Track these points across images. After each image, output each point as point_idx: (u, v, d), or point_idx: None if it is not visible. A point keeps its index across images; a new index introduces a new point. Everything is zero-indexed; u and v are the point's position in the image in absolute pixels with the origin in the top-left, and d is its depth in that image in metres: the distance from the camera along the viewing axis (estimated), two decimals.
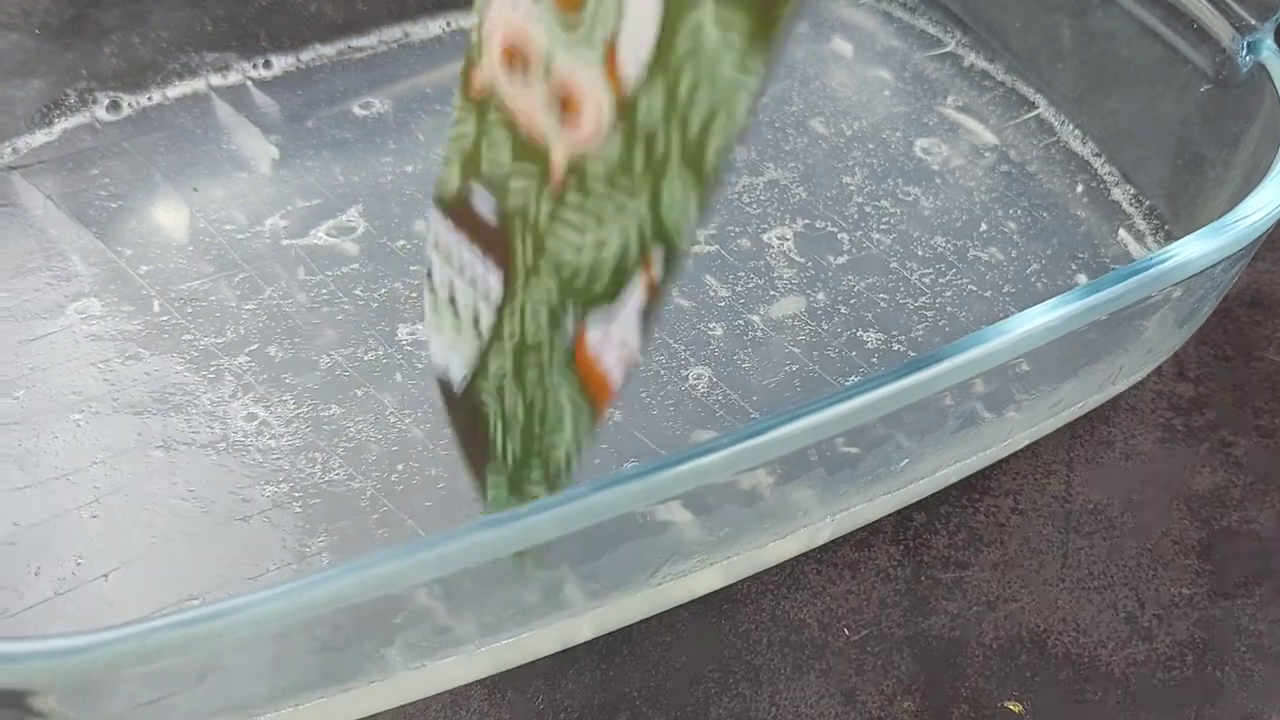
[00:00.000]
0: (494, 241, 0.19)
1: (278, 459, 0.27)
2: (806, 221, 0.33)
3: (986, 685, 0.25)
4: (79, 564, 0.25)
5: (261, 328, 0.29)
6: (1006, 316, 0.30)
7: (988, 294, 0.31)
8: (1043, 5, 0.36)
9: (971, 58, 0.39)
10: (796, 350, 0.29)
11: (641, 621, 0.25)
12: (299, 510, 0.26)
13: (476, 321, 0.20)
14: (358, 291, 0.30)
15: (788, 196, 0.34)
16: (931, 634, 0.26)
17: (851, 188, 0.34)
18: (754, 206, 0.33)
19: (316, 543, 0.25)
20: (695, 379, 0.29)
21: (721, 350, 0.29)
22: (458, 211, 0.20)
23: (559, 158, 0.17)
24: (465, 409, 0.21)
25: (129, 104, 0.35)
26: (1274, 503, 0.28)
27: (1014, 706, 0.25)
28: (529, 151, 0.18)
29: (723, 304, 0.30)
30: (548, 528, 0.19)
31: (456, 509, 0.26)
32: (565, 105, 0.17)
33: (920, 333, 0.30)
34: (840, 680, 0.25)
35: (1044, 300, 0.22)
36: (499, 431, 0.20)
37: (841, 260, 0.32)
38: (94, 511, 0.25)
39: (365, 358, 0.29)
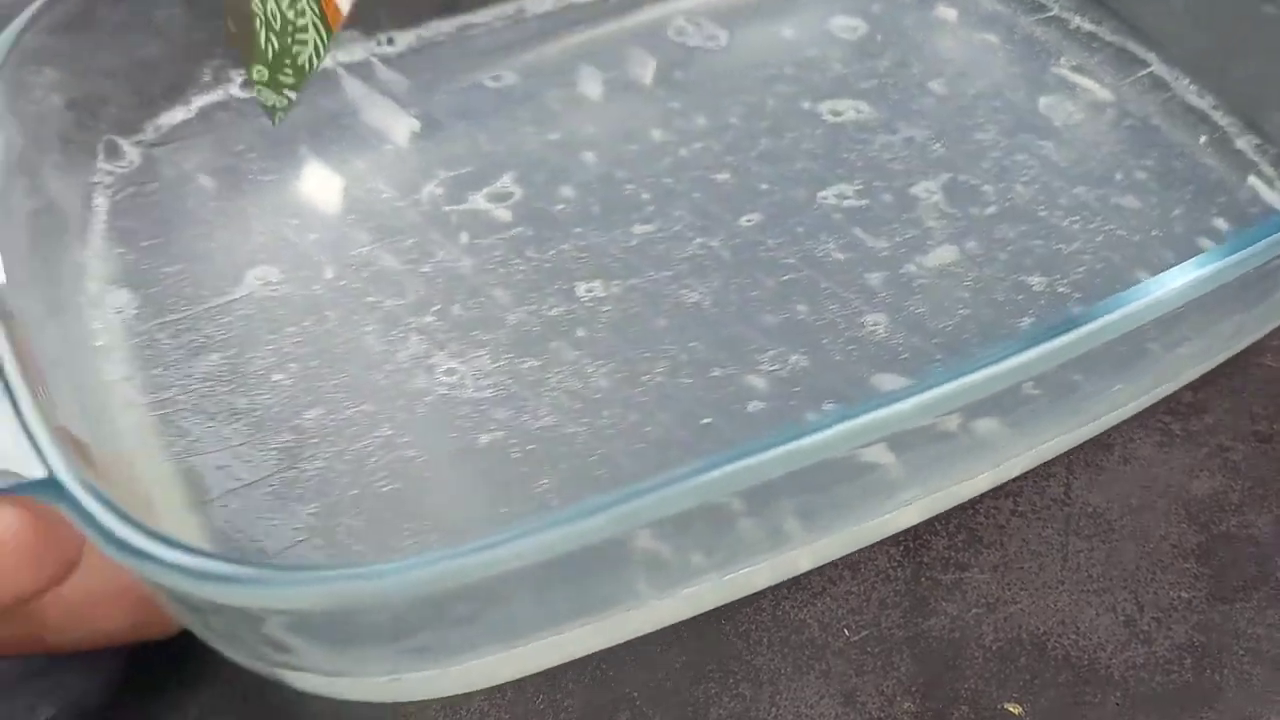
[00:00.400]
0: None
1: (486, 409, 0.27)
2: (950, 175, 0.34)
3: (986, 687, 0.25)
4: (312, 514, 0.25)
5: (441, 289, 0.30)
6: (1160, 259, 0.31)
7: (1136, 238, 0.32)
8: None
9: (1077, 20, 0.40)
10: (965, 295, 0.30)
11: None
12: (518, 456, 0.26)
13: None
14: (529, 253, 0.31)
15: (927, 152, 0.35)
16: (931, 635, 0.26)
17: (986, 143, 0.35)
18: (896, 163, 0.34)
19: (542, 485, 0.26)
20: (873, 325, 0.29)
21: (892, 297, 0.30)
22: None
23: None
24: (239, 12, 0.28)
25: None
26: (1272, 508, 0.29)
27: (1013, 708, 0.25)
28: None
29: (883, 254, 0.31)
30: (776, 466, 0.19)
31: (666, 452, 0.26)
32: None
33: (1081, 275, 0.31)
34: (840, 681, 0.25)
35: (1191, 243, 0.23)
36: (263, 30, 0.27)
37: (991, 210, 0.33)
38: (318, 465, 0.26)
39: (550, 313, 0.29)
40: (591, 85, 0.37)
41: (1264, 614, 0.26)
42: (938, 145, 0.35)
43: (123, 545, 0.18)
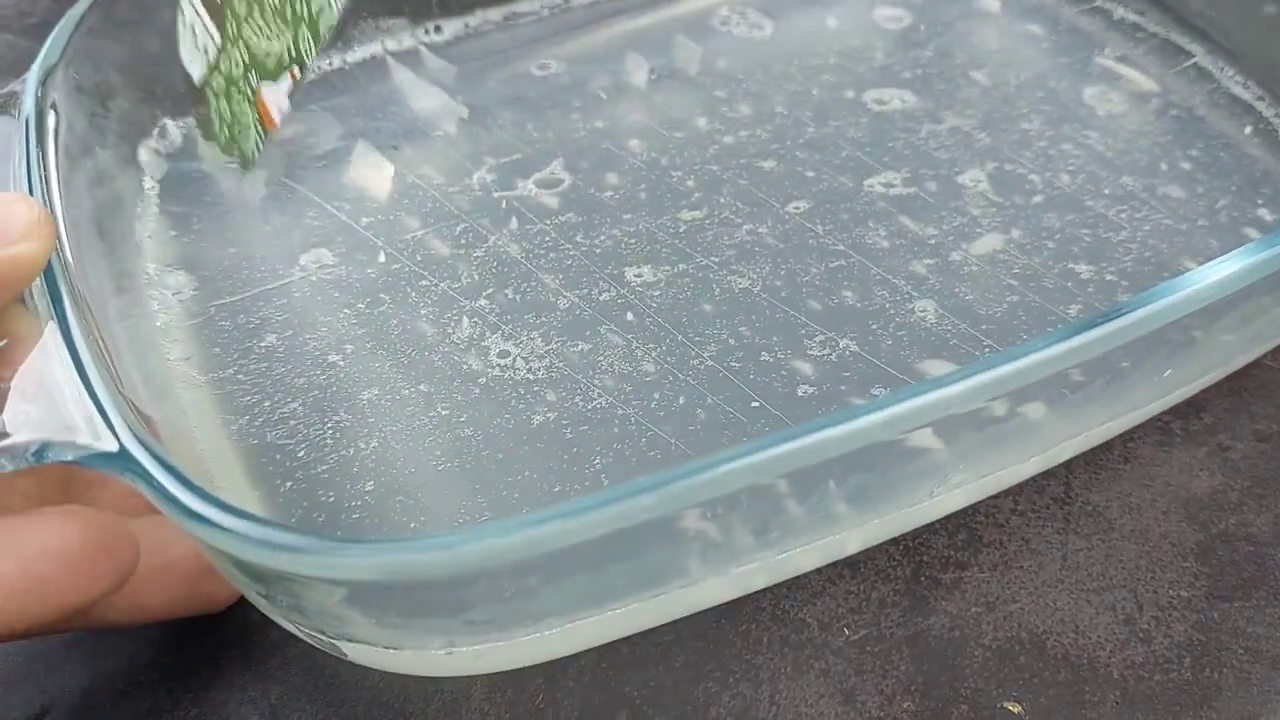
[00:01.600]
0: (213, 8, 0.30)
1: (538, 390, 0.27)
2: (995, 164, 0.34)
3: (986, 686, 0.25)
4: (369, 492, 0.25)
5: (493, 273, 0.30)
6: (1206, 248, 0.31)
7: (1183, 227, 0.32)
8: None
9: (1121, 11, 0.40)
10: (1014, 282, 0.30)
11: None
12: (570, 436, 0.26)
13: (206, 50, 0.31)
14: (578, 238, 0.31)
15: (972, 142, 0.35)
16: (931, 634, 0.26)
17: (1031, 133, 0.35)
18: (941, 152, 0.34)
19: (595, 465, 0.26)
20: (921, 311, 0.30)
21: (940, 284, 0.30)
22: None
23: None
24: (199, 97, 0.32)
25: (312, 68, 0.36)
26: (1271, 507, 0.28)
27: (1013, 707, 0.25)
28: None
29: (930, 242, 0.31)
30: (824, 449, 0.20)
31: (716, 434, 0.27)
32: None
33: (1129, 264, 0.31)
34: (840, 680, 0.25)
35: (1237, 233, 0.23)
36: (217, 117, 0.32)
37: (1037, 199, 0.33)
38: (374, 445, 0.26)
39: (600, 298, 0.30)
40: (637, 73, 0.37)
41: (1263, 613, 0.26)
42: (983, 134, 0.35)
43: (193, 515, 0.19)
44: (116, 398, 0.21)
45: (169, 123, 0.33)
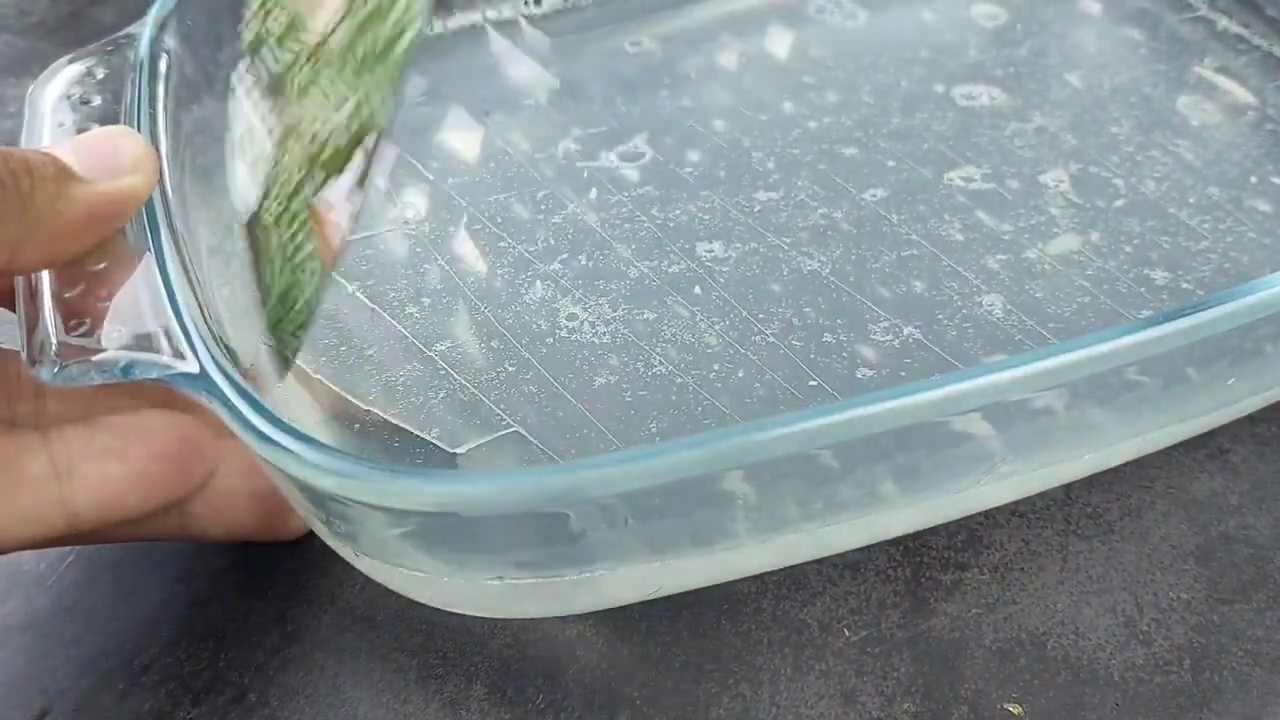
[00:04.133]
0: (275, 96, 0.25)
1: (603, 354, 0.28)
2: (1079, 166, 0.34)
3: (986, 687, 0.25)
4: (435, 437, 0.26)
5: (570, 239, 0.31)
6: None
7: (1268, 241, 0.32)
8: None
9: (1225, 22, 0.39)
10: (1086, 284, 0.30)
11: (642, 620, 0.26)
12: (629, 399, 0.27)
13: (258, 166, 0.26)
14: (654, 211, 0.32)
15: (1058, 142, 0.35)
16: (931, 635, 0.26)
17: (1120, 137, 0.35)
18: (1026, 150, 0.34)
19: (650, 428, 0.27)
20: (989, 305, 0.30)
21: (1011, 280, 0.30)
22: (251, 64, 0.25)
23: (313, 28, 0.24)
24: (251, 242, 0.25)
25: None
26: (1271, 509, 0.28)
27: (1013, 709, 0.25)
28: (298, 25, 0.24)
29: (1005, 238, 0.31)
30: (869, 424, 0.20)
31: (772, 408, 0.27)
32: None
33: (1207, 273, 0.30)
34: (840, 681, 0.25)
35: None
36: (266, 267, 0.25)
37: (1119, 203, 0.33)
38: (442, 395, 0.27)
39: (670, 270, 0.30)
40: (727, 56, 0.38)
41: (1263, 615, 0.26)
42: (1070, 136, 0.35)
43: (262, 436, 0.20)
44: (200, 325, 0.22)
45: None
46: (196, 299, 0.23)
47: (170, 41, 0.29)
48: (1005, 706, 0.25)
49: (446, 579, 0.22)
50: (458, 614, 0.25)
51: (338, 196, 0.24)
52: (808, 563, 0.27)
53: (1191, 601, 0.26)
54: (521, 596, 0.23)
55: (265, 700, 0.25)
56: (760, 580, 0.26)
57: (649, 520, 0.22)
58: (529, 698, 0.25)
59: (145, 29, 0.29)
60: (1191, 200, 0.33)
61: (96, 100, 0.27)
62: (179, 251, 0.24)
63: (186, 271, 0.24)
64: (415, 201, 0.32)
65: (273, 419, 0.20)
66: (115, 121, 0.26)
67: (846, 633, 0.26)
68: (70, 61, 0.28)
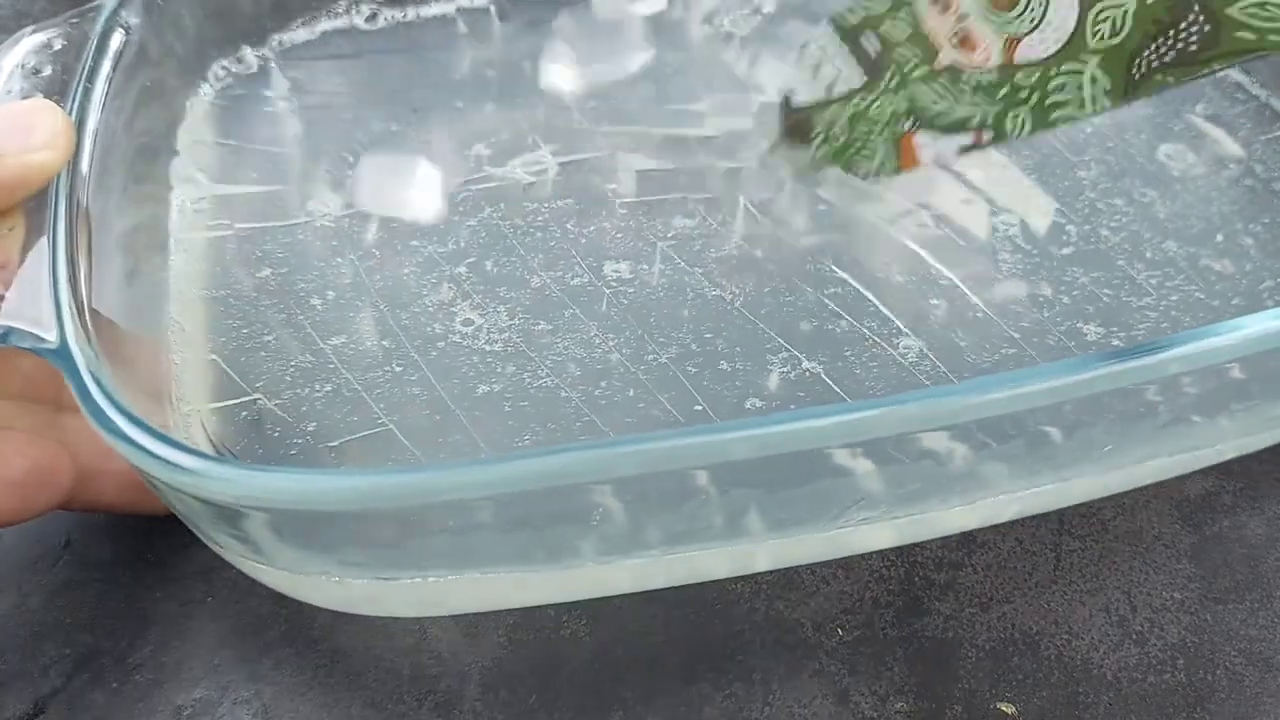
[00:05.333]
0: (865, 60, 0.30)
1: (493, 362, 0.28)
2: None
3: (979, 687, 0.25)
4: (310, 433, 0.27)
5: (480, 243, 0.31)
6: None
7: (1215, 303, 0.30)
8: None
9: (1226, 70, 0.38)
10: (1015, 335, 0.29)
11: (635, 620, 0.26)
12: (509, 410, 0.27)
13: (830, 86, 0.31)
14: (569, 225, 0.32)
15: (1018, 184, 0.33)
16: (924, 635, 0.26)
17: (1085, 182, 0.33)
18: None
19: (524, 439, 0.27)
20: (905, 348, 0.29)
21: (940, 326, 0.29)
22: (848, 34, 0.31)
23: (945, 59, 0.29)
24: (795, 121, 0.32)
25: (385, 17, 0.37)
26: (1264, 509, 0.28)
27: (1006, 708, 0.24)
28: (921, 41, 0.29)
29: (944, 283, 0.30)
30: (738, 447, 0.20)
31: (651, 429, 0.27)
32: (964, 42, 0.28)
33: (1141, 331, 0.29)
34: (833, 681, 0.25)
35: None
36: (820, 138, 0.32)
37: (1067, 251, 0.31)
38: (327, 389, 0.28)
39: (572, 283, 0.30)
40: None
41: (1256, 615, 0.26)
42: (1033, 177, 0.34)
43: (96, 412, 0.21)
44: (72, 300, 0.23)
45: (248, 50, 0.35)
46: (82, 273, 0.24)
47: (133, 19, 0.30)
48: (998, 706, 0.25)
49: (270, 569, 0.22)
50: (450, 615, 0.26)
51: (935, 140, 0.29)
52: (804, 564, 0.27)
53: (1185, 601, 0.26)
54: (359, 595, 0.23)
55: (259, 697, 0.25)
56: (753, 580, 0.27)
57: (473, 533, 0.22)
58: (522, 698, 0.25)
59: (109, 3, 0.29)
60: (1146, 254, 0.31)
61: (47, 70, 0.28)
62: (76, 224, 0.25)
63: (73, 248, 0.24)
64: (334, 197, 0.32)
65: (112, 399, 0.21)
66: (61, 92, 0.27)
67: (840, 632, 0.26)
68: (34, 31, 0.29)
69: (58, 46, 0.28)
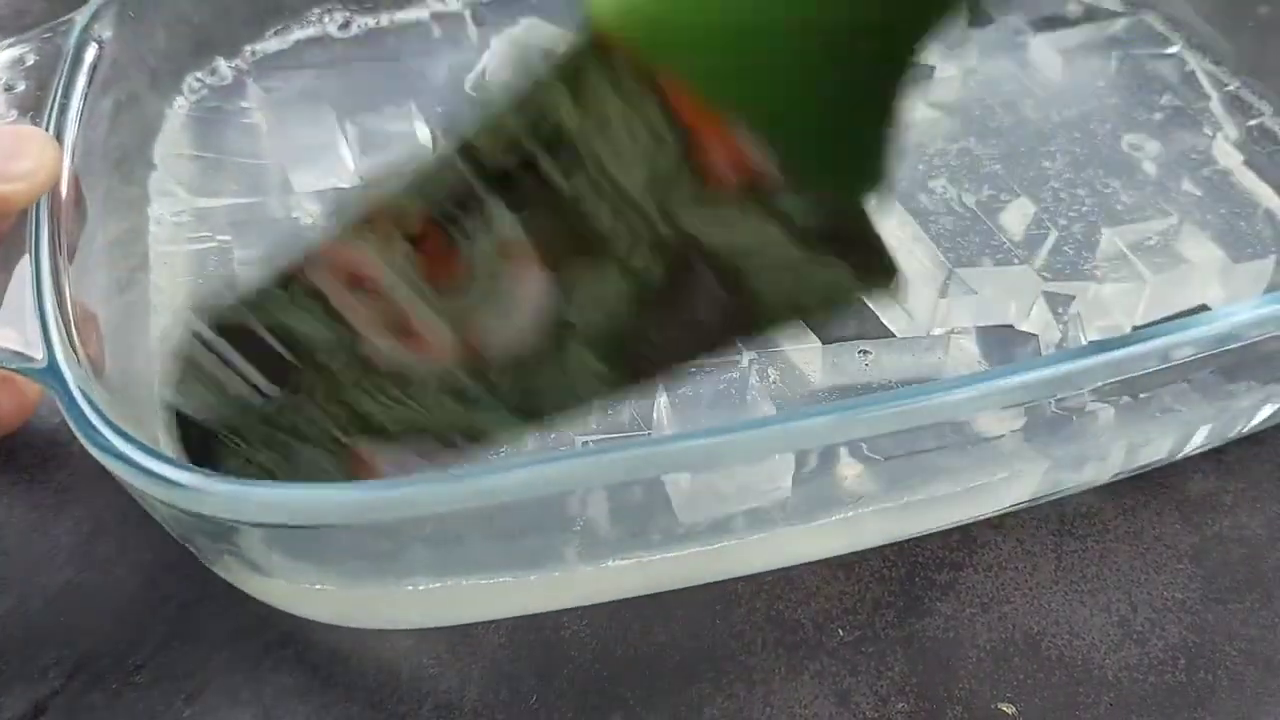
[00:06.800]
0: (271, 359, 0.22)
1: None
2: (991, 193, 0.33)
3: (980, 687, 0.25)
4: None
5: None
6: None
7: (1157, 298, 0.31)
8: None
9: (1195, 60, 0.38)
10: None
11: (636, 620, 0.26)
12: None
13: (241, 399, 0.22)
14: None
15: (978, 168, 0.34)
16: (925, 635, 0.26)
17: (1050, 171, 0.34)
18: (942, 170, 0.34)
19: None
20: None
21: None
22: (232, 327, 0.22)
23: (389, 356, 0.21)
24: (199, 436, 0.23)
25: (358, 24, 0.37)
26: (1265, 509, 0.28)
27: (1007, 708, 0.24)
28: (338, 322, 0.21)
29: None
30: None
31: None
32: (402, 329, 0.21)
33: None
34: (834, 681, 0.25)
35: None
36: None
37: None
38: None
39: None
40: None
41: (1257, 615, 0.26)
42: (996, 164, 0.34)
43: (88, 431, 0.21)
44: (58, 318, 0.23)
45: (221, 61, 0.35)
46: (62, 293, 0.23)
47: (105, 32, 0.30)
48: (999, 706, 0.25)
49: (258, 578, 0.23)
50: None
51: (386, 455, 0.22)
52: (802, 561, 0.27)
53: (1186, 601, 0.26)
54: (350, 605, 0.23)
55: (258, 699, 0.25)
56: (754, 580, 0.26)
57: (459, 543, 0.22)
58: (523, 698, 0.25)
59: (81, 17, 0.29)
60: (1098, 243, 0.32)
61: (21, 86, 0.27)
62: (55, 245, 0.24)
63: (57, 266, 0.24)
64: (316, 205, 0.32)
65: (105, 417, 0.21)
66: (36, 108, 0.27)
67: (840, 632, 0.26)
68: (8, 47, 0.28)
69: (30, 62, 0.28)
